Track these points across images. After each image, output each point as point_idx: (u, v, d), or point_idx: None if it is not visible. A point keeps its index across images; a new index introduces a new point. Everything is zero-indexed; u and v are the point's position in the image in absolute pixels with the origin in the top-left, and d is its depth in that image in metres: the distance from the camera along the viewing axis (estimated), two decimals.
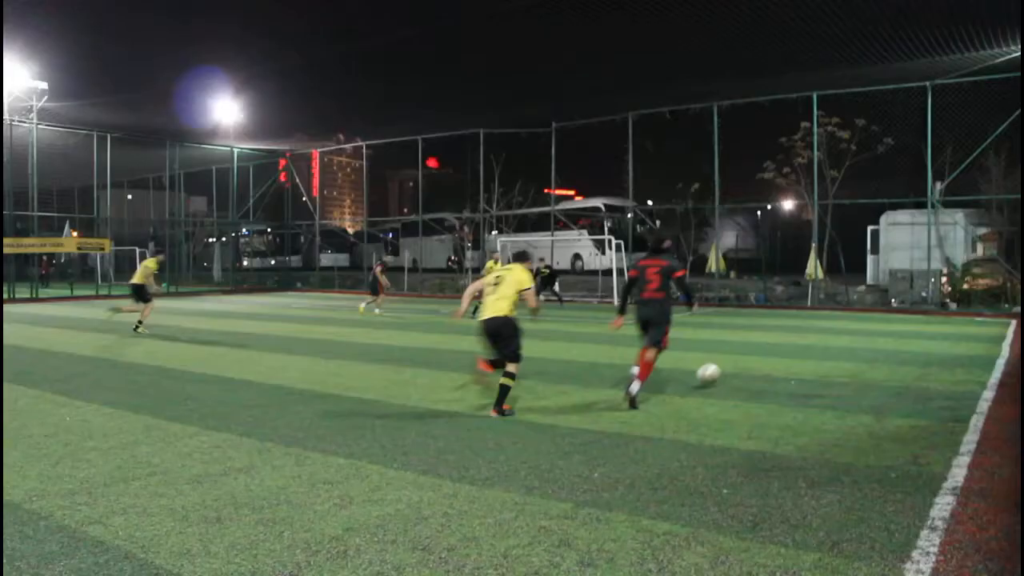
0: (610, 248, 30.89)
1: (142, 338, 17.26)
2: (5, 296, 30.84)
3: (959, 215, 27.30)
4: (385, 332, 18.62)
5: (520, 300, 9.04)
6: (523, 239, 38.52)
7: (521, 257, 9.62)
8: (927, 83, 25.05)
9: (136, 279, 18.86)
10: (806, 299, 28.05)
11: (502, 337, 8.92)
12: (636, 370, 9.16)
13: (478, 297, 9.77)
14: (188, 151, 41.45)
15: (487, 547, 4.70)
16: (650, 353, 9.32)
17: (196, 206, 65.15)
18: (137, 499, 5.64)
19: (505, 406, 8.76)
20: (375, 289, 24.88)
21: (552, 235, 36.95)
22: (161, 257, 20.87)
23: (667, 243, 10.03)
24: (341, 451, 7.02)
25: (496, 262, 20.92)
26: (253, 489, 5.88)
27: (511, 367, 8.85)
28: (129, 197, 54.93)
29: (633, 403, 9.00)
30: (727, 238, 44.82)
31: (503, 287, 9.00)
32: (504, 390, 8.76)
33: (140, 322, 18.47)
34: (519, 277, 9.15)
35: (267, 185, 44.87)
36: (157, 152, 39.74)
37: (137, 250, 44.12)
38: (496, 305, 8.94)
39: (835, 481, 6.03)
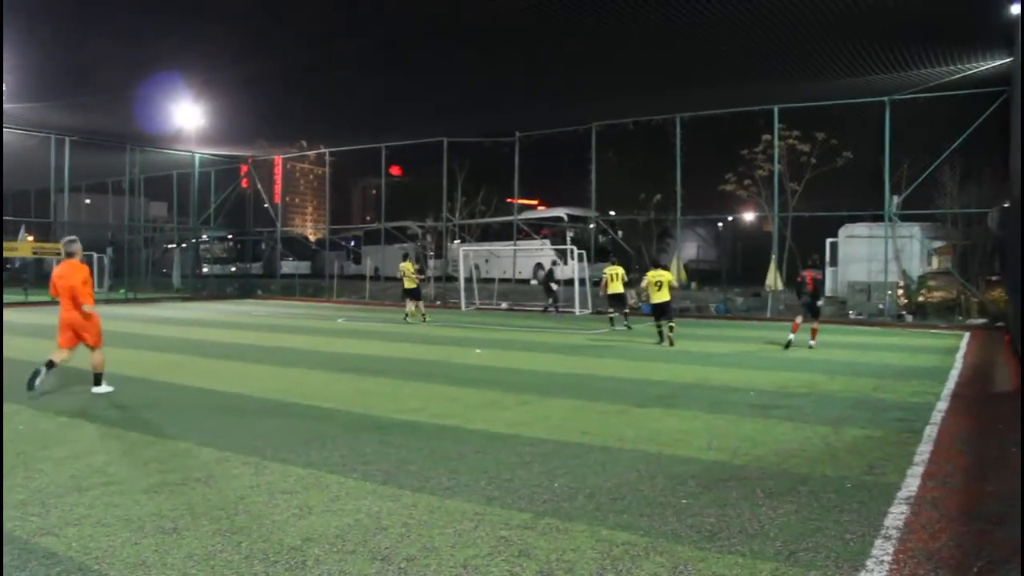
0: (572, 258, 31.01)
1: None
2: None
3: (915, 228, 27.77)
4: (347, 341, 18.53)
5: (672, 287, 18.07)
6: (485, 248, 38.59)
7: (661, 262, 21.54)
8: (885, 98, 25.47)
9: (408, 284, 24.57)
10: (766, 310, 28.34)
11: (667, 310, 18.03)
12: (811, 341, 17.17)
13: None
14: (149, 155, 40.93)
15: (447, 557, 4.69)
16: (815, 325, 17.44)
17: (156, 211, 64.36)
18: (92, 509, 5.56)
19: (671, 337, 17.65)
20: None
21: (515, 244, 36.99)
22: (409, 255, 26.60)
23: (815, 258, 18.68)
24: (301, 461, 6.98)
25: (613, 268, 21.96)
26: (211, 499, 5.82)
27: (672, 323, 17.94)
28: (87, 201, 54.17)
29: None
30: (688, 249, 45.23)
31: (665, 286, 17.92)
32: (671, 330, 17.74)
33: (424, 315, 24.71)
34: (671, 277, 18.52)
35: (228, 191, 44.41)
36: (117, 156, 39.21)
37: (95, 255, 43.47)
38: (663, 295, 17.87)
39: (792, 491, 6.09)
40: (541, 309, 30.10)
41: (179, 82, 30.86)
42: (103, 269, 42.71)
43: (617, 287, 21.71)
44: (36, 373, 10.34)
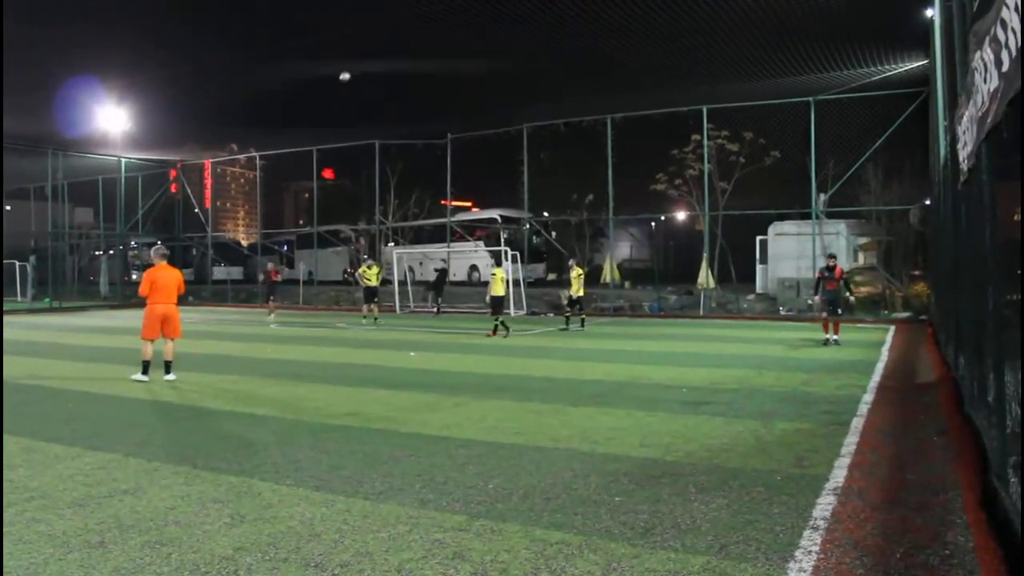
0: (506, 259, 31.08)
1: (28, 357, 16.54)
2: None
3: (841, 225, 28.41)
4: (280, 346, 18.30)
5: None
6: (419, 251, 38.45)
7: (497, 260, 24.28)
8: (810, 99, 26.01)
9: (371, 284, 25.74)
10: (698, 308, 28.72)
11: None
12: (833, 337, 17.41)
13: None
14: (73, 160, 39.87)
15: (381, 562, 4.66)
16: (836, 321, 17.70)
17: (82, 217, 62.66)
18: (12, 526, 5.38)
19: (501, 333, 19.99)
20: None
21: (448, 247, 36.92)
22: (372, 262, 27.09)
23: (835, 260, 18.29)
24: (232, 469, 6.86)
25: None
26: (140, 510, 5.69)
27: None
28: (8, 208, 52.60)
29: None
30: (621, 249, 45.60)
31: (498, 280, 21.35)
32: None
33: (375, 317, 25.57)
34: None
35: (157, 196, 43.50)
36: (38, 161, 38.08)
37: (17, 264, 42.19)
38: (500, 288, 21.26)
39: (723, 485, 6.18)
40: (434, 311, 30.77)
41: (102, 85, 30.05)
42: (25, 278, 41.48)
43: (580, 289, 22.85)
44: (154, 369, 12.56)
